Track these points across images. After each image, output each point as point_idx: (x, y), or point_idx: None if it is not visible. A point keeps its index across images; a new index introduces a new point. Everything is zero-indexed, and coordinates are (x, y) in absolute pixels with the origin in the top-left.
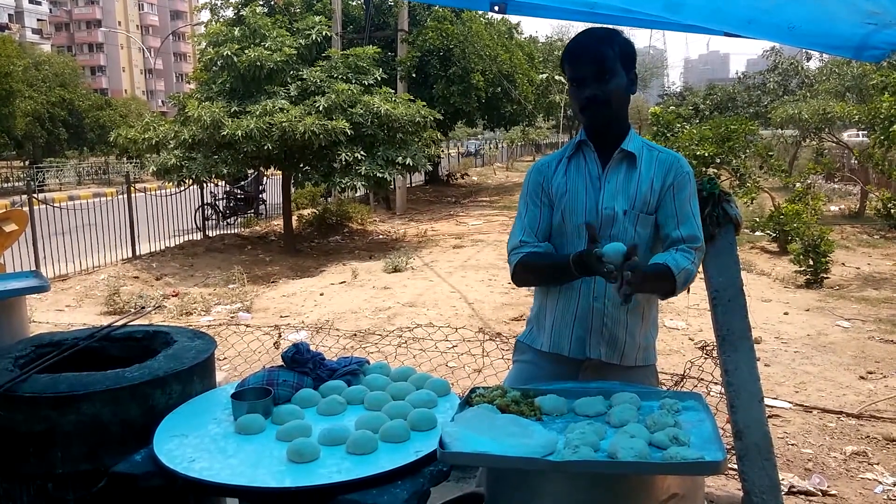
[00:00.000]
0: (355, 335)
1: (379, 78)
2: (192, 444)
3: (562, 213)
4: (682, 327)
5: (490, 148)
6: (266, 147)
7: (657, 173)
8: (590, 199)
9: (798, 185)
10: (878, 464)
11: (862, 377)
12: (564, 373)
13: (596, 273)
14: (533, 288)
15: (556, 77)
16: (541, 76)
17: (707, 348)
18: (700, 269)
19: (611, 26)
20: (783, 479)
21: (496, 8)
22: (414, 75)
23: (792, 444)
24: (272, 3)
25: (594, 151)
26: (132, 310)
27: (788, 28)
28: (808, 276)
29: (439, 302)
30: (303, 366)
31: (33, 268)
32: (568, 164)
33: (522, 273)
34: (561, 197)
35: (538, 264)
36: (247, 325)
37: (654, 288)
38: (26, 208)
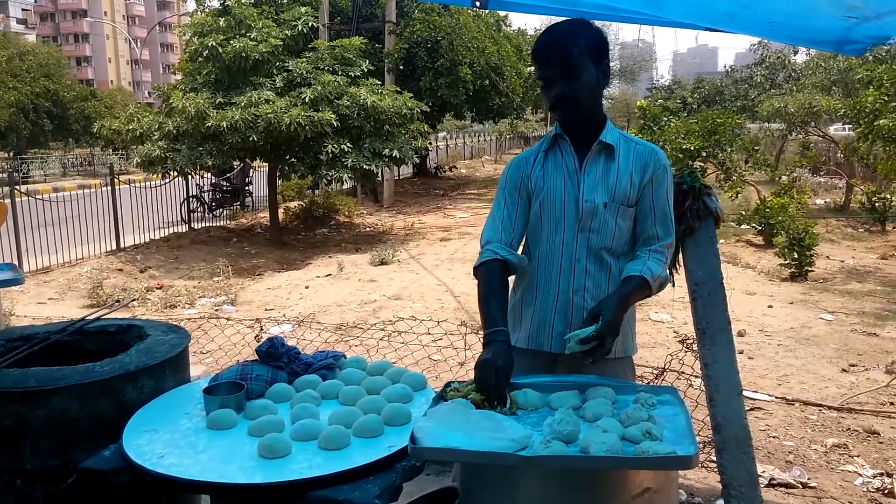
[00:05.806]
0: (339, 328)
1: (366, 69)
2: (162, 439)
3: (540, 205)
4: (666, 320)
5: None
6: (251, 139)
7: (636, 167)
8: (569, 193)
9: (784, 178)
10: (858, 456)
11: (844, 370)
12: (541, 367)
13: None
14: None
15: None
16: (529, 68)
17: (687, 342)
18: (681, 262)
19: (581, 18)
20: (764, 472)
21: (477, 4)
22: (401, 67)
23: (773, 437)
24: None
25: (570, 144)
26: (116, 303)
27: (769, 23)
28: (792, 270)
29: (425, 295)
30: (277, 360)
31: (15, 260)
32: (545, 158)
33: (477, 278)
34: (539, 191)
35: (480, 290)
36: (227, 319)
37: (635, 301)
38: (7, 200)
